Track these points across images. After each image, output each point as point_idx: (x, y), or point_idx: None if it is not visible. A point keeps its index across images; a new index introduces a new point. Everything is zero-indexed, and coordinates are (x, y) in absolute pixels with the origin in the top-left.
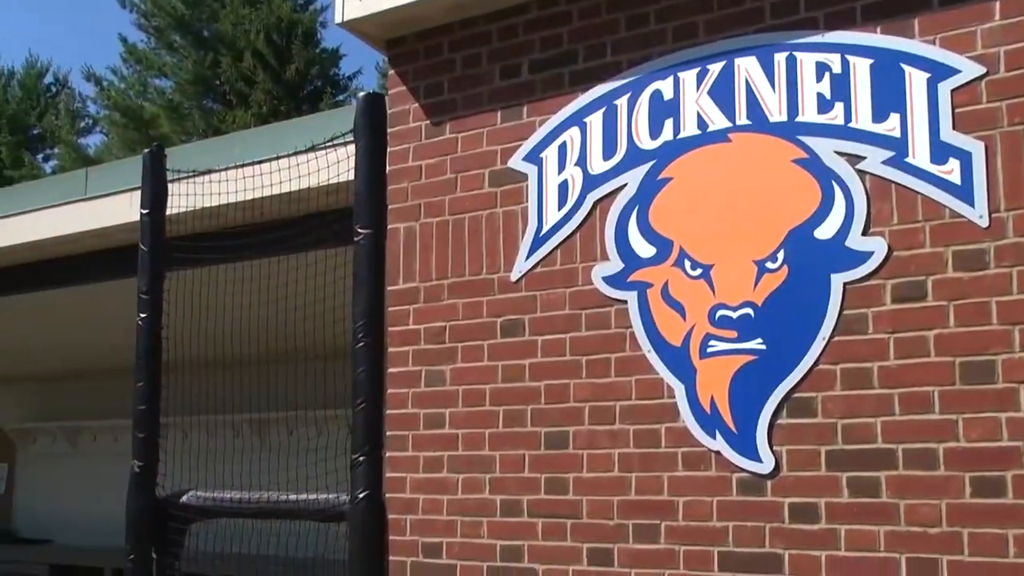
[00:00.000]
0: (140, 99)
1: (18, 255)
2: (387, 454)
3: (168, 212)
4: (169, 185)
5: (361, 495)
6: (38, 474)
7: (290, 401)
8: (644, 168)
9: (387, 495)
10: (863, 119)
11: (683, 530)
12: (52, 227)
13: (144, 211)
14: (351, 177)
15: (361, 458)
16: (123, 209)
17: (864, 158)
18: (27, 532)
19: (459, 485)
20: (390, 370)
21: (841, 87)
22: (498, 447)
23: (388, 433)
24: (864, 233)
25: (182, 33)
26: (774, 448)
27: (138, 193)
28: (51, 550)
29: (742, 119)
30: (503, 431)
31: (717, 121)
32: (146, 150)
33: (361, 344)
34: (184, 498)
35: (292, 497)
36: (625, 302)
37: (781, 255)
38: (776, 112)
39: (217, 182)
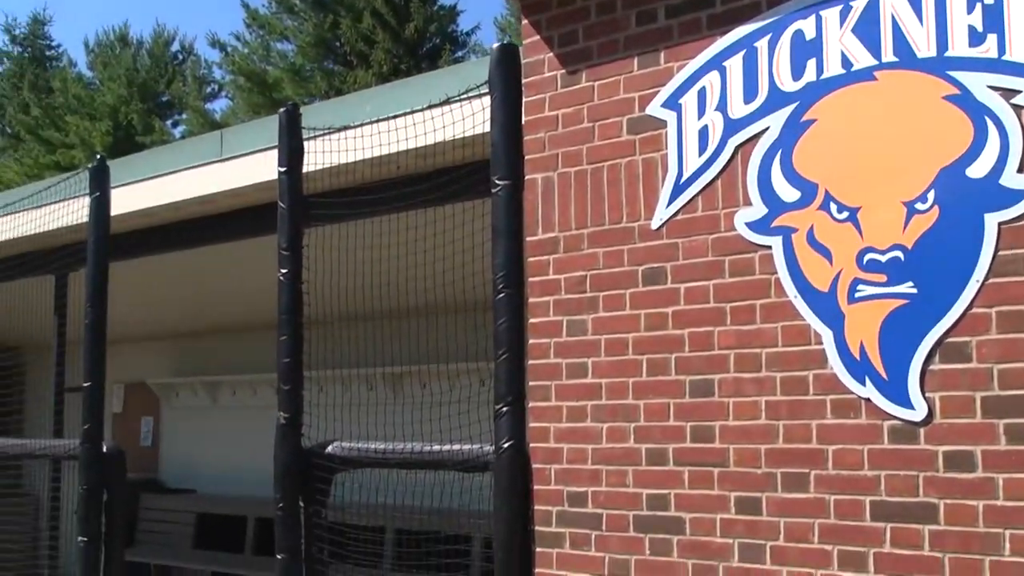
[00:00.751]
0: (263, 63)
1: (159, 216)
2: (530, 404)
3: (304, 170)
4: (305, 143)
5: (505, 445)
6: (181, 427)
7: (424, 355)
8: (787, 111)
9: (531, 445)
10: (1018, 51)
11: (833, 479)
12: (190, 188)
13: (282, 169)
14: (485, 129)
15: (504, 408)
16: (257, 169)
17: (1019, 92)
18: (172, 482)
19: (603, 434)
20: (531, 320)
21: (994, 18)
22: (642, 396)
23: (530, 383)
24: (1020, 170)
25: None
26: (926, 395)
27: (271, 153)
28: (196, 499)
29: (888, 56)
30: (647, 380)
31: (862, 59)
32: (282, 108)
33: (502, 295)
34: (329, 448)
35: (436, 448)
36: (769, 247)
37: (932, 195)
38: (924, 47)
39: (352, 138)
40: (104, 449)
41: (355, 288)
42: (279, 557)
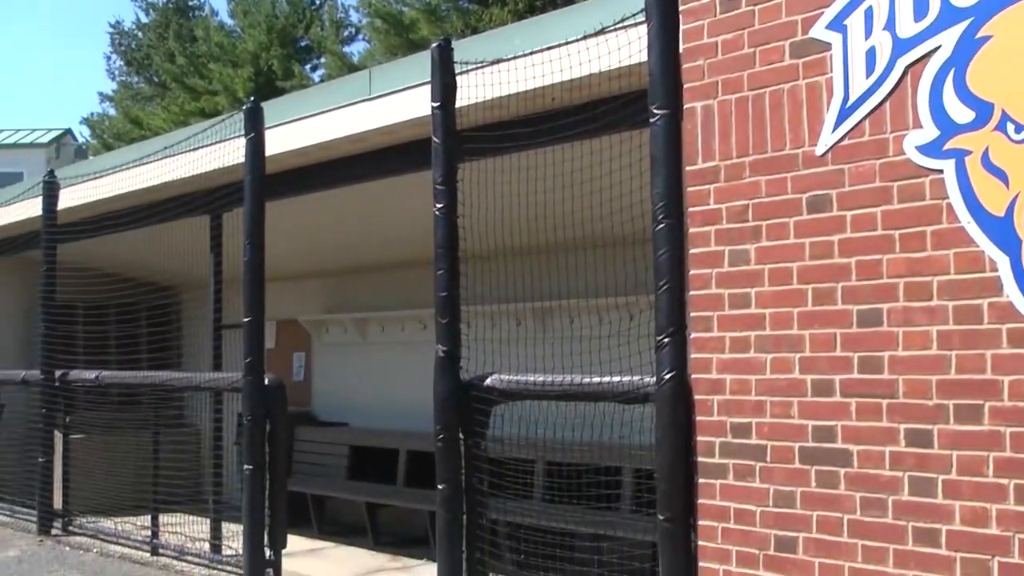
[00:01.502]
0: (399, 5)
1: (311, 156)
2: (691, 335)
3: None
4: (456, 78)
5: (667, 376)
6: (331, 362)
7: (572, 290)
8: (960, 27)
9: (692, 376)
10: None
11: (1009, 411)
12: (341, 127)
13: (435, 104)
14: (641, 59)
15: (666, 339)
16: (407, 106)
17: None
18: (324, 416)
19: (767, 365)
20: (691, 251)
21: None
22: (807, 326)
23: (692, 314)
24: None
25: None
26: None
27: (420, 90)
28: (349, 432)
29: None
30: (812, 309)
31: None
32: (434, 44)
33: (662, 226)
34: (488, 381)
35: (595, 380)
36: (941, 171)
37: None
38: None
39: (505, 71)
40: (266, 381)
41: (504, 223)
42: (440, 487)
